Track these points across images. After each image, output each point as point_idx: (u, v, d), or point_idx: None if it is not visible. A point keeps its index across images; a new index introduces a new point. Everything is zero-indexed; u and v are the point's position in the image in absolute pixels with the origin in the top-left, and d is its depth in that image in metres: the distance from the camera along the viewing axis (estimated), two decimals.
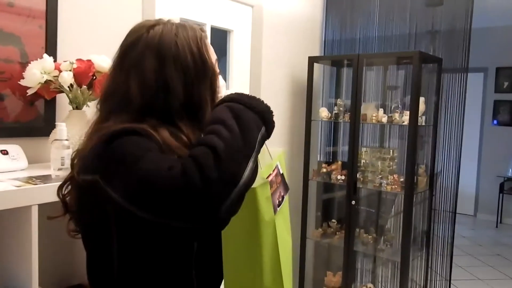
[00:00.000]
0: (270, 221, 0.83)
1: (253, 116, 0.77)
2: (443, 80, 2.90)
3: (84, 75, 1.54)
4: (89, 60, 1.56)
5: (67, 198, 0.89)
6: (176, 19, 0.91)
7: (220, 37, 2.58)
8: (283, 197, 0.92)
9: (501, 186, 5.93)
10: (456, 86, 2.90)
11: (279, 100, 2.92)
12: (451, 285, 3.40)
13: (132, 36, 0.87)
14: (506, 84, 5.95)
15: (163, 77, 0.82)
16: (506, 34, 5.75)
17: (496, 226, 5.95)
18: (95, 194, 0.75)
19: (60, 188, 0.89)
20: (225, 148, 0.69)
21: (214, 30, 2.49)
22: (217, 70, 0.90)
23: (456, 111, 2.89)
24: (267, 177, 0.86)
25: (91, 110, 1.61)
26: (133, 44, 0.86)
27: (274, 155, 0.89)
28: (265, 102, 0.81)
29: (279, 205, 0.89)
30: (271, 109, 0.81)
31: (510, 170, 5.85)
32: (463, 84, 2.87)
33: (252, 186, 0.76)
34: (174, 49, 0.83)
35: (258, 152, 0.75)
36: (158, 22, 0.88)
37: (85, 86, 1.56)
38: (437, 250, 3.26)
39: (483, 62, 5.74)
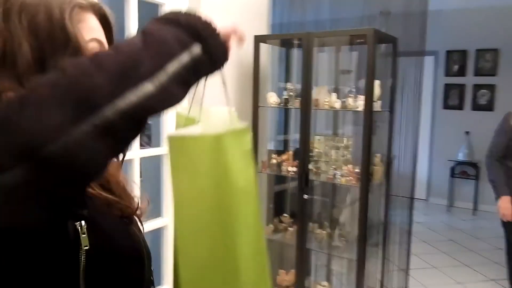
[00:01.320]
0: (244, 186, 0.56)
1: (172, 32, 0.57)
2: (399, 63, 2.73)
3: None
4: None
5: None
6: None
7: (149, 11, 2.24)
8: None
9: (452, 170, 5.96)
10: (413, 69, 2.74)
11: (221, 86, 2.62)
12: (408, 275, 3.29)
13: None
14: (456, 67, 5.95)
15: (7, 28, 0.62)
16: (456, 17, 5.72)
17: (448, 210, 6.00)
18: None
19: None
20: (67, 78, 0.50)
21: (142, 3, 2.14)
22: (87, 50, 0.66)
23: (413, 95, 2.74)
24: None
25: None
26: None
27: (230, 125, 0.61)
28: (199, 16, 0.62)
29: None
30: (213, 25, 0.62)
31: (460, 154, 5.88)
32: (420, 67, 2.71)
33: (210, 134, 0.54)
34: (31, 8, 0.63)
35: (186, 75, 0.56)
36: None
37: None
38: (394, 239, 3.14)
39: (434, 45, 5.69)
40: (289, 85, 2.76)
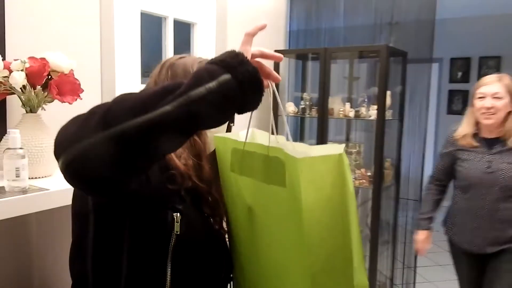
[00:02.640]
0: (353, 192, 0.72)
1: (206, 67, 0.66)
2: (408, 71, 2.92)
3: (38, 75, 1.40)
4: (43, 58, 1.41)
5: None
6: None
7: (184, 30, 2.47)
8: None
9: None
10: (421, 77, 2.94)
11: None
12: (415, 273, 3.48)
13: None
14: (460, 74, 6.15)
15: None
16: (460, 26, 5.92)
17: None
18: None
19: None
20: (118, 100, 0.64)
21: (177, 23, 2.37)
22: None
23: (420, 101, 2.93)
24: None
25: (47, 113, 1.47)
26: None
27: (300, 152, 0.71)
28: (234, 51, 0.70)
29: None
30: (239, 53, 0.69)
31: None
32: (428, 75, 2.91)
33: (333, 153, 0.68)
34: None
35: (214, 97, 0.63)
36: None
37: (39, 87, 1.42)
38: (402, 238, 3.32)
39: (438, 53, 5.88)
40: (305, 95, 2.98)
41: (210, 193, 0.92)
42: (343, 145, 0.71)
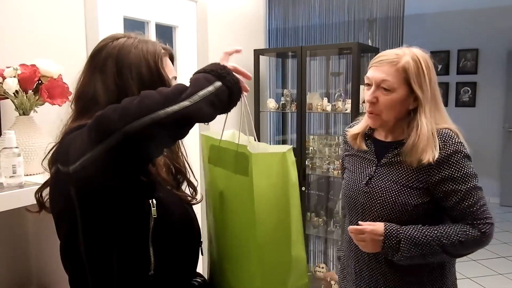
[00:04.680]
0: (296, 183, 0.91)
1: (202, 75, 0.87)
2: None
3: (29, 80, 1.53)
4: (33, 65, 1.54)
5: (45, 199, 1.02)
6: (143, 35, 1.02)
7: (166, 33, 2.59)
8: None
9: None
10: None
11: None
12: None
13: (99, 44, 0.99)
14: (440, 67, 6.34)
15: (122, 82, 0.93)
16: (439, 20, 6.10)
17: None
18: (59, 183, 0.88)
19: (38, 189, 1.04)
20: (140, 97, 0.79)
21: (159, 27, 2.50)
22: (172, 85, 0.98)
23: None
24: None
25: (39, 115, 1.60)
26: (98, 51, 0.98)
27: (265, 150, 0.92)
28: (220, 64, 0.92)
29: None
30: (225, 66, 0.91)
31: None
32: None
33: (280, 151, 0.88)
34: (131, 59, 0.95)
35: (212, 98, 0.83)
36: (124, 35, 0.99)
37: (31, 92, 1.54)
38: None
39: (419, 46, 6.06)
40: (285, 91, 3.12)
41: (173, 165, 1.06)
42: (290, 146, 0.93)
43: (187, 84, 0.87)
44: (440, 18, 6.09)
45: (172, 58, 1.04)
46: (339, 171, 2.85)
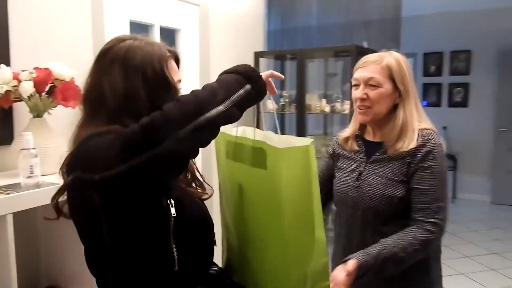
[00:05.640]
0: (316, 172, 0.98)
1: (233, 77, 0.90)
2: None
3: (43, 83, 1.58)
4: (47, 69, 1.59)
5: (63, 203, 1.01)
6: (149, 37, 1.02)
7: (169, 36, 2.65)
8: None
9: None
10: None
11: None
12: None
13: (106, 46, 0.99)
14: (433, 68, 6.44)
15: (129, 84, 0.94)
16: (432, 22, 6.20)
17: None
18: (80, 189, 0.89)
19: (54, 196, 1.01)
20: (180, 104, 0.82)
21: (163, 30, 2.55)
22: (179, 89, 1.01)
23: None
24: None
25: (52, 117, 1.65)
26: (105, 52, 0.98)
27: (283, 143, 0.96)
28: (251, 67, 0.94)
29: None
30: (257, 72, 0.93)
31: None
32: None
33: (304, 144, 0.93)
34: (137, 61, 0.95)
35: (241, 102, 0.87)
36: (131, 37, 1.00)
37: (45, 94, 1.59)
38: None
39: (412, 48, 6.16)
40: (284, 93, 3.19)
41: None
42: (312, 139, 0.98)
43: (216, 80, 0.91)
44: (432, 20, 6.19)
45: (178, 61, 1.05)
46: None
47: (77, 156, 0.90)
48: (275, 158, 0.92)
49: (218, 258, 1.14)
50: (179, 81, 1.03)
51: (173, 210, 0.95)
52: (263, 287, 1.05)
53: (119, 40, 0.99)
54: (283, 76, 1.05)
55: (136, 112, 0.90)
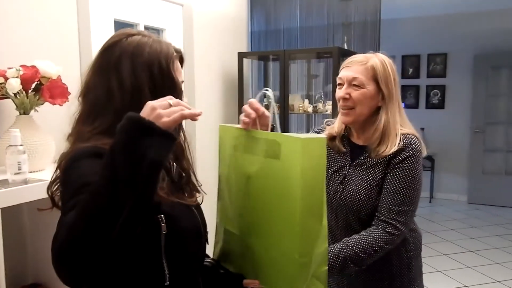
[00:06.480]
0: (325, 163, 1.02)
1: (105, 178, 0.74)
2: None
3: (30, 81, 1.58)
4: (33, 66, 1.59)
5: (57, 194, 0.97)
6: (157, 35, 1.01)
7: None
8: None
9: None
10: None
11: (212, 96, 3.06)
12: None
13: (112, 39, 0.95)
14: (411, 70, 6.59)
15: (137, 81, 0.91)
16: (409, 25, 6.35)
17: None
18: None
19: (49, 186, 0.97)
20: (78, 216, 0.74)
21: (147, 29, 2.56)
22: (181, 89, 0.99)
23: None
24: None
25: (38, 114, 1.65)
26: (110, 46, 0.94)
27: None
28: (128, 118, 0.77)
29: None
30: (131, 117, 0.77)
31: None
32: None
33: (320, 137, 0.97)
34: (145, 58, 0.92)
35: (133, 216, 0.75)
36: (138, 33, 0.97)
37: (31, 92, 1.59)
38: None
39: (391, 50, 6.25)
40: (267, 93, 3.23)
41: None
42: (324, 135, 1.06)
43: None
44: (410, 24, 6.34)
45: (182, 62, 1.03)
46: None
47: (60, 177, 0.91)
48: (292, 148, 0.96)
49: (210, 250, 1.15)
50: (182, 82, 1.01)
51: (163, 227, 0.91)
52: (265, 273, 1.07)
53: (127, 34, 0.95)
54: (198, 113, 0.85)
55: (138, 111, 0.84)
